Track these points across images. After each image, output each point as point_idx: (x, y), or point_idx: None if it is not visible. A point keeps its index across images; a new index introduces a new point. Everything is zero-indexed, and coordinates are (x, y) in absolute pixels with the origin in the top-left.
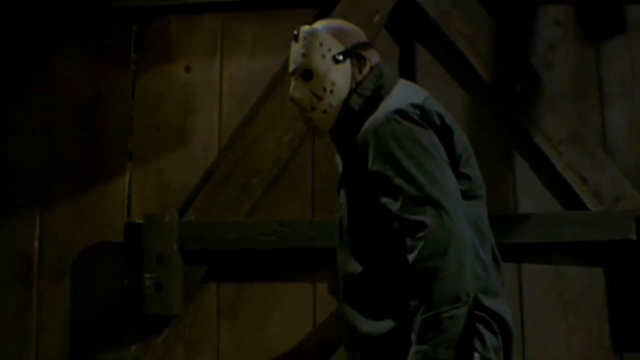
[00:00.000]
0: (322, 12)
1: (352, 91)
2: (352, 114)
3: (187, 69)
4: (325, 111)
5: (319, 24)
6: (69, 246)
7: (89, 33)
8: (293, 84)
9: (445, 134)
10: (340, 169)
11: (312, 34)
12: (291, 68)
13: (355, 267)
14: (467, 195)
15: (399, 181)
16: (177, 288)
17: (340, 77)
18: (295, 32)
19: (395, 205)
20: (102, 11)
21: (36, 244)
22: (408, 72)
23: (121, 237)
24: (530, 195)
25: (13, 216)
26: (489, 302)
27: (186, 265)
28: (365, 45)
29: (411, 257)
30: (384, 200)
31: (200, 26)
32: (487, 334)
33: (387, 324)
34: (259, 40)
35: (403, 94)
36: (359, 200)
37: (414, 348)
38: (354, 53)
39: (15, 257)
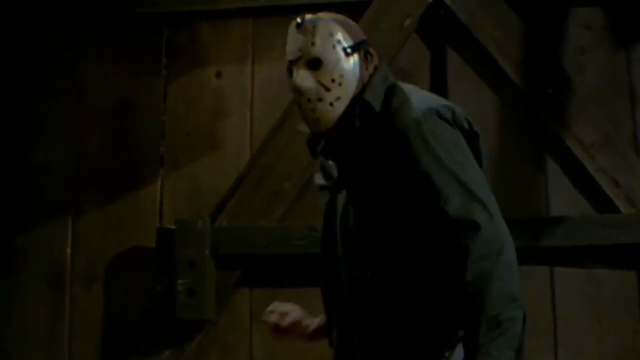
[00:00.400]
0: (351, 16)
1: (363, 88)
2: (368, 112)
3: (218, 75)
4: (332, 104)
5: (323, 14)
6: (101, 252)
7: (120, 39)
8: (298, 72)
9: (472, 138)
10: (332, 170)
11: (321, 23)
12: (294, 56)
13: (365, 270)
14: None
15: (445, 180)
16: (209, 293)
17: (349, 71)
18: (299, 19)
19: (441, 205)
20: (133, 17)
21: (68, 250)
22: (439, 75)
23: (153, 243)
24: (562, 199)
25: (45, 222)
26: None
27: (218, 271)
28: (369, 43)
29: (462, 257)
30: (425, 199)
31: (231, 31)
32: None
33: (398, 329)
34: None
35: (423, 94)
36: (375, 201)
37: (477, 351)
38: (362, 48)
39: (48, 263)
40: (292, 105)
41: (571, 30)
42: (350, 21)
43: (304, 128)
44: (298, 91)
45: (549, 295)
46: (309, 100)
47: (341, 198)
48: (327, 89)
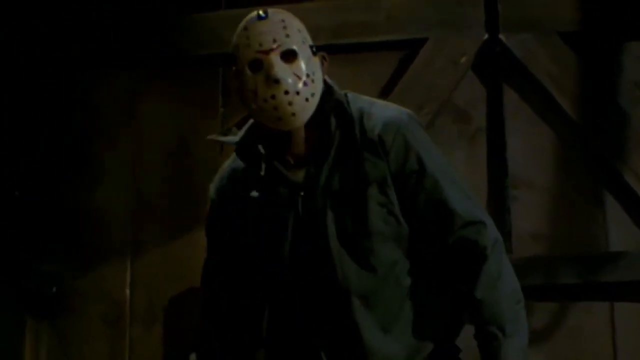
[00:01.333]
0: (407, 54)
1: (329, 91)
2: (340, 112)
3: None
4: (307, 99)
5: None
6: (161, 292)
7: (176, 79)
8: (274, 62)
9: None
10: (296, 176)
11: (288, 17)
12: (268, 46)
13: (372, 279)
14: None
15: (449, 182)
16: None
17: (317, 70)
18: (261, 12)
19: (448, 203)
20: (189, 57)
21: (127, 290)
22: (496, 113)
23: None
24: (622, 234)
25: (104, 263)
26: None
27: None
28: None
29: (479, 254)
30: (432, 199)
31: None
32: None
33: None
34: (345, 83)
35: (383, 101)
36: (371, 204)
37: (508, 341)
38: (319, 52)
39: (107, 304)
40: None
41: (627, 65)
42: None
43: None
44: (276, 81)
45: (610, 331)
46: (286, 92)
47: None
48: (304, 83)
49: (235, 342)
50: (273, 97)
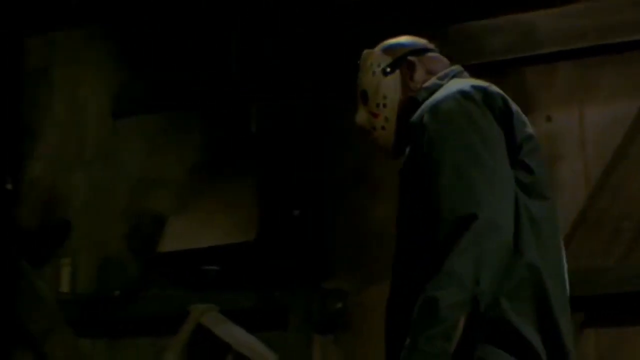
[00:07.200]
0: None
1: (406, 99)
2: (414, 107)
3: (548, 118)
4: (383, 127)
5: (383, 43)
6: None
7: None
8: (357, 111)
9: (507, 117)
10: None
11: (366, 56)
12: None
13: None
14: (528, 189)
15: (450, 172)
16: None
17: (390, 89)
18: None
19: (435, 199)
20: None
21: None
22: None
23: None
24: None
25: (388, 279)
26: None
27: None
28: (418, 52)
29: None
30: (429, 194)
31: (556, 75)
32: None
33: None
34: (616, 84)
35: (464, 81)
36: (411, 195)
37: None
38: (402, 61)
39: None
40: (625, 144)
41: None
42: (401, 39)
43: None
44: (358, 128)
45: None
46: (369, 133)
47: None
48: (375, 115)
49: None
50: (369, 139)
